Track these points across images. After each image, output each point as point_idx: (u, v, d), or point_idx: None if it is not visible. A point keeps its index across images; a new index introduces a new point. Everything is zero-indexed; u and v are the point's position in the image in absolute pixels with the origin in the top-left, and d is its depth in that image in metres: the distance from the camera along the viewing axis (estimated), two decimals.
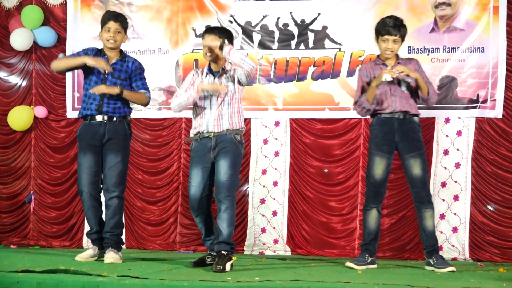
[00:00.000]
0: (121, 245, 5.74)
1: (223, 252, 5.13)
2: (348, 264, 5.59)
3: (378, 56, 5.77)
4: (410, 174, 5.63)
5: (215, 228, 5.40)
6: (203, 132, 5.37)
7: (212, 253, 5.28)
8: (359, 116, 6.80)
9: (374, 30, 5.73)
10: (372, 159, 5.66)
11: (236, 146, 5.36)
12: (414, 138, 5.62)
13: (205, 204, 5.43)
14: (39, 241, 7.49)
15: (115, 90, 5.53)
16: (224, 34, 5.43)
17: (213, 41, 5.31)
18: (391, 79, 5.49)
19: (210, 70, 5.47)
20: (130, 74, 5.71)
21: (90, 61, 5.51)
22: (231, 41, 5.45)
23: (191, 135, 5.50)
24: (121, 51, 5.77)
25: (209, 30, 5.52)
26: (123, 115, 5.68)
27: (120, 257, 5.58)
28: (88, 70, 5.67)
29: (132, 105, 5.84)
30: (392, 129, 5.61)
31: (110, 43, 5.65)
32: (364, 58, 6.83)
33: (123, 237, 7.22)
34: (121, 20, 5.71)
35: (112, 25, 5.65)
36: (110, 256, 5.52)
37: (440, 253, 6.65)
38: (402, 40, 5.67)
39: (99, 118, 5.61)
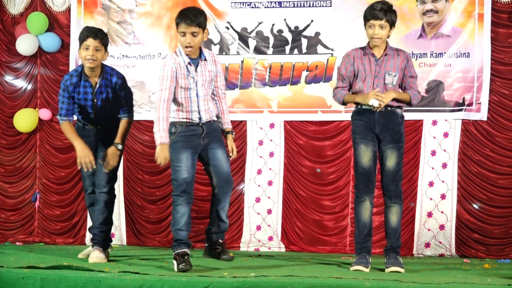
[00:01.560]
0: (109, 243, 5.45)
1: (221, 240, 5.38)
2: (357, 267, 4.98)
3: (368, 43, 5.19)
4: (383, 165, 5.08)
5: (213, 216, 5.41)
6: (192, 120, 5.10)
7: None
8: (350, 119, 6.80)
9: (363, 17, 5.17)
10: (358, 148, 5.14)
11: (222, 135, 5.37)
12: (394, 131, 5.06)
13: (192, 188, 5.09)
14: (44, 238, 7.44)
15: (117, 155, 5.30)
16: (201, 17, 4.96)
17: None
18: (378, 106, 4.97)
19: (190, 60, 5.06)
20: (116, 91, 5.28)
21: (79, 152, 5.21)
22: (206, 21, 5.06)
23: (175, 120, 5.11)
24: (102, 66, 5.27)
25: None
26: (117, 120, 5.42)
27: (105, 256, 5.27)
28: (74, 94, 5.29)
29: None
30: (373, 120, 5.06)
31: (89, 62, 5.10)
32: None
33: (124, 234, 7.27)
34: (101, 36, 5.16)
35: (91, 42, 5.09)
36: (95, 256, 5.22)
37: (428, 249, 6.71)
38: (391, 26, 5.06)
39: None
